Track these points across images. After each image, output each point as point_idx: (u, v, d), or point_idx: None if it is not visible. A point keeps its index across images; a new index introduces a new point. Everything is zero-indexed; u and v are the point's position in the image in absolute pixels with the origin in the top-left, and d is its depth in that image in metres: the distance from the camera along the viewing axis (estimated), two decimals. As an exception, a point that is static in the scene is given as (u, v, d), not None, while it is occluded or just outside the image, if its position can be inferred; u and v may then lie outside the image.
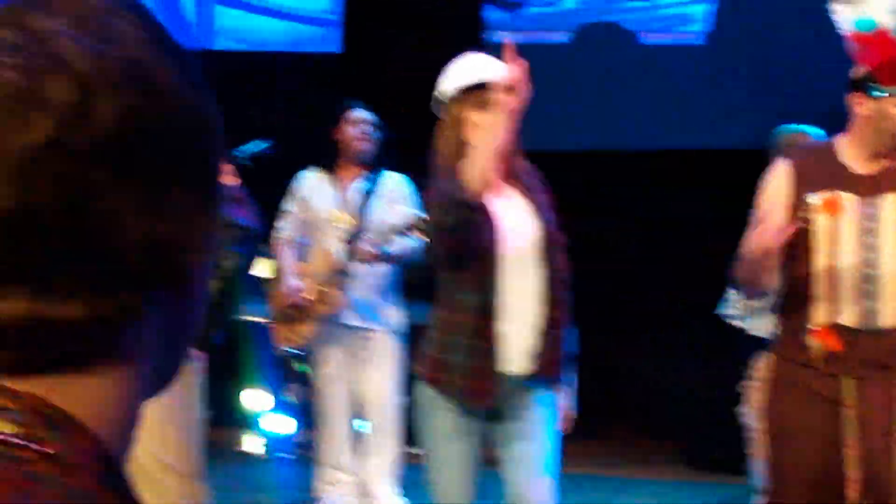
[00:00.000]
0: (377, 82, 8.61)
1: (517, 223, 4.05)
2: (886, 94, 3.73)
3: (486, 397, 3.99)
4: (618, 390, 8.79)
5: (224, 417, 7.98)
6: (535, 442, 4.11)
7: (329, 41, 9.52)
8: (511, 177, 4.07)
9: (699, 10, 9.05)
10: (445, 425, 4.11)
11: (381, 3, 9.34)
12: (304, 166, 6.01)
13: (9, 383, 0.82)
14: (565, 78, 8.94)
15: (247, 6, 9.62)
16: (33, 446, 0.81)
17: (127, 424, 0.88)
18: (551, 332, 4.03)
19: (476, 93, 4.06)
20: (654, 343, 8.59)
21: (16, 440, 0.81)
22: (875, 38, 3.67)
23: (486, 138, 3.86)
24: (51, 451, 0.81)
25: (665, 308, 8.48)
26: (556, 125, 8.61)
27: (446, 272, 4.07)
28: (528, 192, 4.09)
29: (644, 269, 8.70)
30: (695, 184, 8.25)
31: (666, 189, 8.58)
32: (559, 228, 4.13)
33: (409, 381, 4.42)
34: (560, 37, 9.26)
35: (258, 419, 7.76)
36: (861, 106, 3.78)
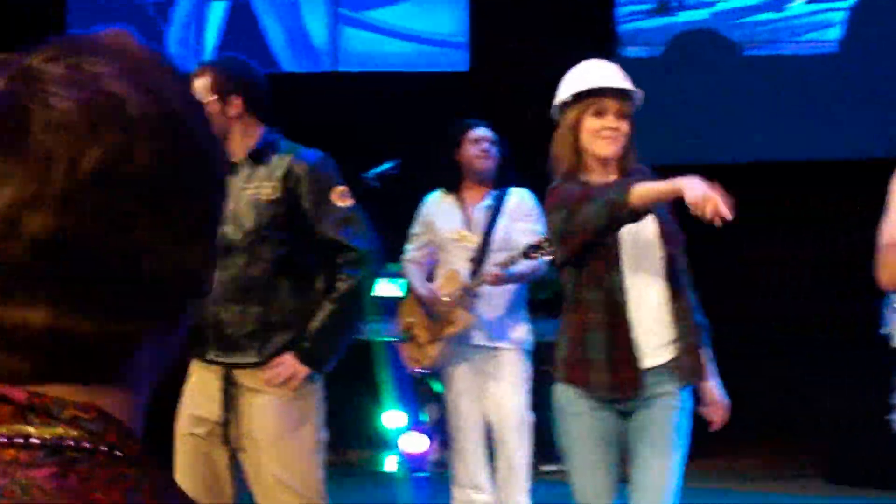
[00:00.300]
0: (505, 99, 8.63)
1: (637, 224, 4.11)
2: None
3: (630, 388, 4.09)
4: (755, 404, 8.63)
5: (362, 438, 8.05)
6: (664, 448, 4.15)
7: (456, 61, 9.56)
8: (628, 174, 4.14)
9: (833, 17, 8.91)
10: (587, 426, 4.18)
11: (508, 20, 9.34)
12: (431, 187, 6.03)
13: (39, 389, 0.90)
14: (698, 91, 8.87)
15: (374, 28, 9.71)
16: (114, 451, 0.89)
17: (134, 416, 0.95)
18: (680, 323, 4.12)
19: (590, 99, 4.11)
20: (792, 355, 8.45)
21: (94, 446, 0.89)
22: None
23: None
24: (126, 454, 0.90)
25: (802, 319, 8.35)
26: (694, 137, 8.57)
27: (572, 274, 4.16)
28: None
29: (780, 280, 8.58)
30: (841, 195, 8.11)
31: (810, 200, 8.46)
32: (677, 226, 4.22)
33: (544, 395, 4.45)
34: (690, 50, 9.18)
35: (396, 439, 7.79)
36: None
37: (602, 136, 4.11)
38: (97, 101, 0.91)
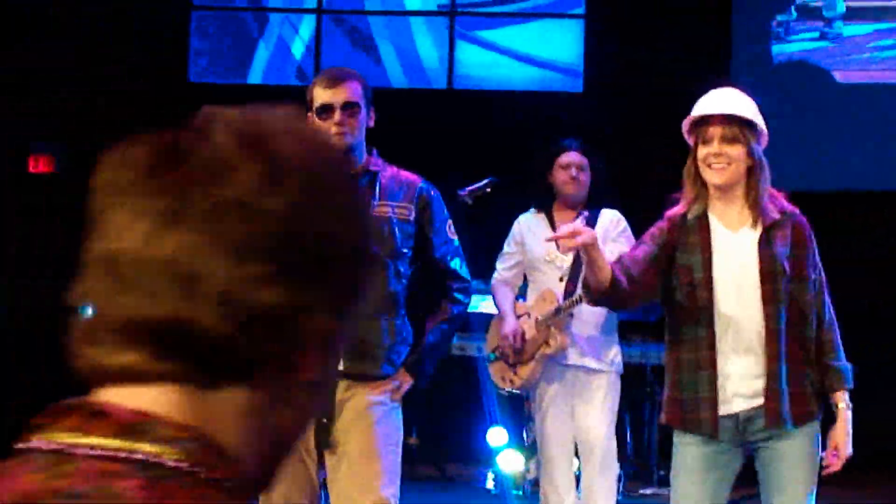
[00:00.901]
0: (617, 120, 8.61)
1: (739, 255, 4.12)
2: None
3: (716, 427, 4.09)
4: (872, 434, 8.52)
5: (463, 453, 8.09)
6: (788, 490, 4.17)
7: (571, 83, 9.58)
8: (751, 208, 4.12)
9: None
10: (686, 460, 4.22)
11: (623, 42, 9.33)
12: (525, 207, 6.06)
13: (153, 399, 0.97)
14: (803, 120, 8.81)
15: (491, 46, 9.76)
16: (202, 473, 0.95)
17: (254, 443, 1.01)
18: (782, 367, 4.07)
19: (701, 127, 4.12)
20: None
21: (187, 466, 0.95)
22: None
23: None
24: (219, 477, 0.96)
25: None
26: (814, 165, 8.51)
27: (667, 310, 4.22)
28: (766, 224, 4.13)
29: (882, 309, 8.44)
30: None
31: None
32: (809, 265, 4.16)
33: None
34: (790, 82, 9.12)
35: (496, 456, 7.82)
36: None
37: (708, 164, 4.09)
38: (252, 135, 1.00)
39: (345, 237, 1.02)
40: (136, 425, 0.96)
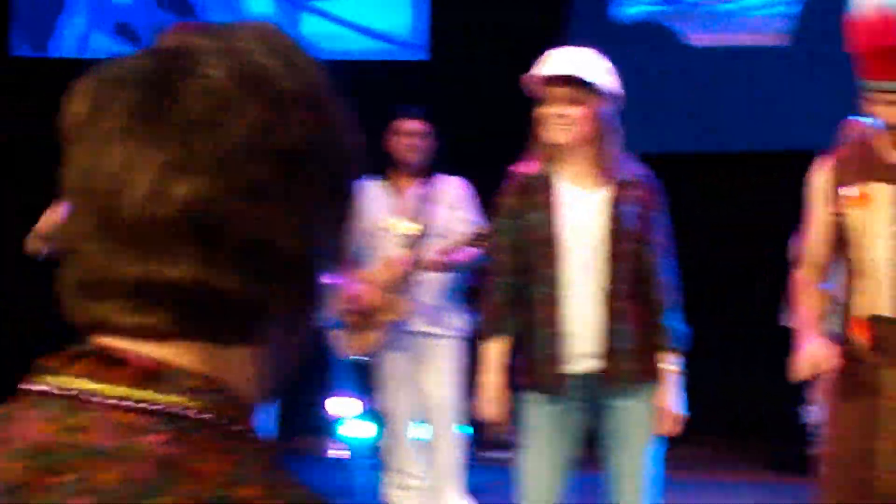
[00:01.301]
0: (461, 88, 8.64)
1: (587, 214, 4.15)
2: (872, 91, 3.69)
3: (561, 385, 4.15)
4: (699, 393, 8.77)
5: (308, 424, 8.07)
6: (628, 448, 4.25)
7: (415, 51, 9.57)
8: (599, 169, 4.15)
9: (782, 10, 9.08)
10: (533, 420, 4.27)
11: (467, 12, 9.36)
12: (368, 175, 6.04)
13: (172, 353, 0.95)
14: (649, 83, 8.97)
15: (331, 17, 9.70)
16: (229, 425, 0.93)
17: (257, 393, 1.00)
18: (624, 327, 4.13)
19: (544, 87, 4.16)
20: (735, 346, 8.56)
21: (213, 418, 0.93)
22: (874, 23, 3.61)
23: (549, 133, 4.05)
24: (242, 429, 0.94)
25: (741, 309, 8.44)
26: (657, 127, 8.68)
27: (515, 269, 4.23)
28: (615, 185, 4.16)
29: (710, 273, 8.64)
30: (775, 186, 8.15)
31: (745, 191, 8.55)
32: (657, 227, 4.22)
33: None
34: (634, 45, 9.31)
35: (341, 425, 7.81)
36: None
37: (549, 124, 4.10)
38: (248, 71, 0.95)
39: (346, 159, 1.02)
40: (159, 374, 0.93)
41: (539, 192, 4.16)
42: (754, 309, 7.60)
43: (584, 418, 4.25)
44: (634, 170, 4.22)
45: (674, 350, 4.22)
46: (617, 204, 4.13)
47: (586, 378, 4.16)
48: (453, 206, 5.88)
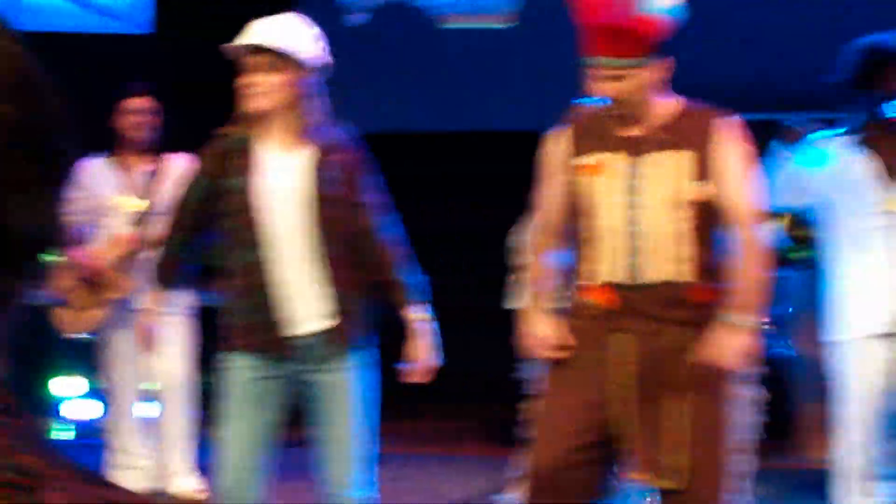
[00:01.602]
0: (189, 63, 8.57)
1: (287, 178, 4.18)
2: (594, 66, 3.86)
3: (270, 350, 4.16)
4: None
5: (31, 404, 7.89)
6: (337, 419, 4.26)
7: (139, 23, 9.45)
8: (299, 135, 4.19)
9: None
10: (235, 387, 4.24)
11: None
12: (93, 152, 6.02)
13: None
14: (372, 59, 9.16)
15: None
16: None
17: None
18: (333, 290, 4.17)
19: (243, 56, 4.20)
20: (463, 320, 8.77)
21: None
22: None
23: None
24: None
25: (469, 286, 8.67)
26: (376, 107, 8.83)
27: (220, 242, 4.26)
28: (316, 150, 4.20)
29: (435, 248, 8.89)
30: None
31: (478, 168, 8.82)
32: (363, 189, 4.26)
33: (206, 362, 4.51)
34: (362, 19, 9.44)
35: (65, 405, 7.68)
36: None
37: (244, 91, 4.14)
38: None
39: (60, 138, 1.01)
40: None
41: (238, 158, 4.18)
42: (484, 286, 7.80)
43: (292, 387, 4.26)
44: (337, 135, 4.28)
45: (416, 301, 4.30)
46: (319, 168, 4.18)
47: (298, 343, 4.19)
48: (179, 184, 5.86)
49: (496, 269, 6.80)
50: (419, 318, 4.36)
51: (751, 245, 3.91)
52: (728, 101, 4.17)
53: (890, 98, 5.05)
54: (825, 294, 5.45)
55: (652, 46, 3.83)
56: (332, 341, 4.19)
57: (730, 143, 3.94)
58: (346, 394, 4.24)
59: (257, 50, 4.14)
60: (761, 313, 3.97)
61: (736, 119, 4.00)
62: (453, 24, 9.45)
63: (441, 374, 6.89)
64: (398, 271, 4.31)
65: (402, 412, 8.82)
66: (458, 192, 9.06)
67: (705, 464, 3.88)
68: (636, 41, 3.81)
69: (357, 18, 9.51)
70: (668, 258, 3.88)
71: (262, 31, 4.20)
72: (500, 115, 9.22)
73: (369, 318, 4.30)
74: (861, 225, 5.19)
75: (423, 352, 4.38)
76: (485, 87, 9.31)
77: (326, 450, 4.29)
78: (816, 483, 6.15)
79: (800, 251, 7.76)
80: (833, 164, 5.21)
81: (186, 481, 6.20)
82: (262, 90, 4.11)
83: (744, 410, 4.01)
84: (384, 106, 9.23)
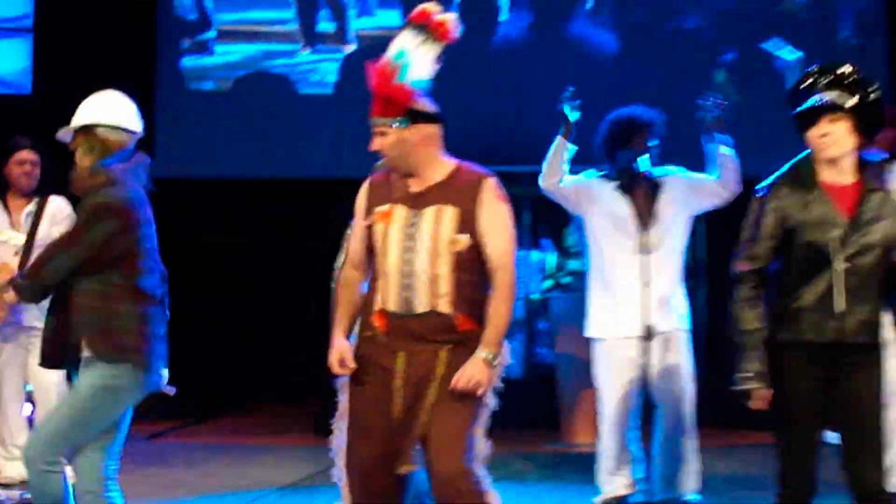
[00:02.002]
0: (62, 120, 8.81)
1: None
2: (373, 125, 4.18)
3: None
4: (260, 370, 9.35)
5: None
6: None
7: (19, 86, 9.73)
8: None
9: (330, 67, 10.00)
10: None
11: (64, 53, 9.68)
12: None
13: None
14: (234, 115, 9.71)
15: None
16: None
17: None
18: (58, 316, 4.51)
19: None
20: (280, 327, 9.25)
21: None
22: (378, 68, 4.13)
23: None
24: None
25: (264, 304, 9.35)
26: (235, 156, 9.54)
27: None
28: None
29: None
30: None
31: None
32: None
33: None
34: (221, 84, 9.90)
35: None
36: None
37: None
38: None
39: None
40: None
41: None
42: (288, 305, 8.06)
43: None
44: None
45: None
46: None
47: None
48: (54, 221, 6.28)
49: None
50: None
51: (503, 288, 4.12)
52: (484, 157, 4.48)
53: (640, 155, 5.61)
54: (588, 307, 5.81)
55: (406, 109, 4.09)
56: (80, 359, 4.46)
57: (491, 200, 4.15)
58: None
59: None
60: (504, 345, 4.17)
61: (496, 180, 4.21)
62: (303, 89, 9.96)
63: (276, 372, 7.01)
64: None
65: (239, 409, 9.28)
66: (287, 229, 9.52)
67: (447, 448, 4.06)
68: (394, 104, 4.08)
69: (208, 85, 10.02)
70: (433, 294, 4.09)
71: (82, 109, 4.54)
72: (328, 164, 9.72)
73: None
74: (620, 256, 5.66)
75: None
76: (306, 140, 9.85)
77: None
78: (583, 463, 6.38)
79: (565, 278, 8.44)
80: (600, 203, 5.70)
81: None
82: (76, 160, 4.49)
83: (483, 410, 4.21)
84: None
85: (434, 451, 4.05)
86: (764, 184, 4.24)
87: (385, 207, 4.18)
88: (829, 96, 4.12)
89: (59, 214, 6.38)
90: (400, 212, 4.16)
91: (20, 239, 6.28)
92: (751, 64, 9.28)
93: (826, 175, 4.17)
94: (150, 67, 9.82)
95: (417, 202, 4.16)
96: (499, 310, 4.11)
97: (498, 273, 4.13)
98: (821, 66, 4.24)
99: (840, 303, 4.10)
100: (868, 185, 4.16)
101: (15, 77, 9.84)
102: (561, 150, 5.70)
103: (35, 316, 6.18)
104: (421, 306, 4.10)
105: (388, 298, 4.11)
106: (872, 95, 4.15)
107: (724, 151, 5.61)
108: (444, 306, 4.09)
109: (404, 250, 4.12)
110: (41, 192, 6.43)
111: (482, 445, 4.23)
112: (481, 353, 4.08)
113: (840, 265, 4.09)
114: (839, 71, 4.18)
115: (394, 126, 4.09)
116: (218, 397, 9.43)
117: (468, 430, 4.09)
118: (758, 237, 4.20)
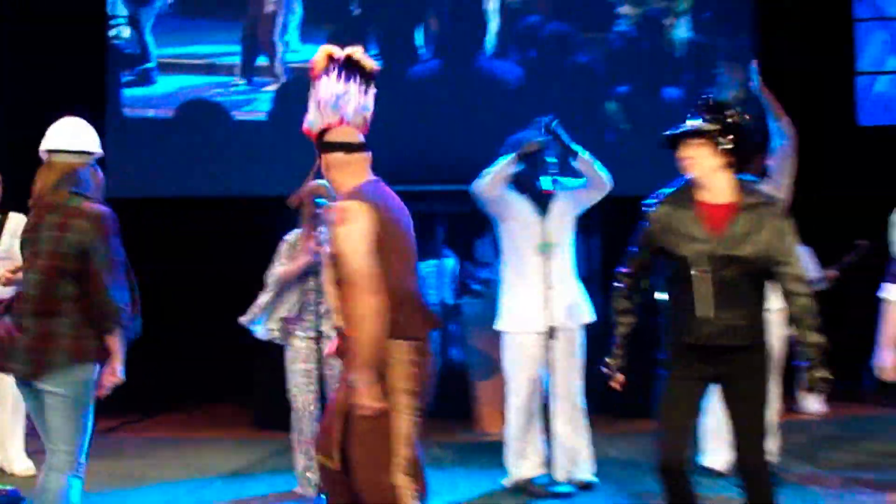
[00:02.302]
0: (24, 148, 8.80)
1: None
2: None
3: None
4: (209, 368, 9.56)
5: None
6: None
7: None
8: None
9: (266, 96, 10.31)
10: None
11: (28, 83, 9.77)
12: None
13: None
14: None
15: None
16: None
17: None
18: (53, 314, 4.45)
19: None
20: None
21: None
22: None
23: None
24: None
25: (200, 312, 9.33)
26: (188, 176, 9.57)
27: None
28: None
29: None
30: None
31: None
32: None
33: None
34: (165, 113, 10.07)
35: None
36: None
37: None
38: None
39: None
40: None
41: None
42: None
43: None
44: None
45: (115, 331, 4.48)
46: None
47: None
48: (14, 236, 6.35)
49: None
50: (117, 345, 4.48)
51: (358, 309, 3.88)
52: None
53: (541, 173, 5.78)
54: (497, 306, 5.92)
55: (317, 142, 4.09)
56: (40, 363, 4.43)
57: (334, 225, 3.96)
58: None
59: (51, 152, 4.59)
60: (368, 367, 3.89)
61: (337, 204, 4.00)
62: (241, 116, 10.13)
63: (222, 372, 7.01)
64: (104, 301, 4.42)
65: (185, 406, 9.34)
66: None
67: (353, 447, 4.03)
68: (314, 137, 4.15)
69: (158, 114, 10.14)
70: (336, 313, 4.10)
71: (50, 135, 4.59)
72: (264, 182, 9.78)
73: None
74: (526, 253, 5.79)
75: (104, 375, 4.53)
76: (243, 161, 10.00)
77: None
78: (493, 450, 6.44)
79: (475, 285, 8.62)
80: (510, 211, 5.85)
81: (22, 464, 6.64)
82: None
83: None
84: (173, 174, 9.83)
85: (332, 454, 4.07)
86: (650, 200, 4.39)
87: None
88: (693, 123, 4.28)
89: (18, 229, 6.32)
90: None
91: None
92: (638, 95, 9.66)
93: (703, 195, 4.31)
94: (101, 95, 9.91)
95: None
96: (356, 335, 3.89)
97: (352, 298, 3.93)
98: (700, 98, 4.44)
99: (703, 309, 4.22)
100: (741, 204, 4.28)
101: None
102: (510, 166, 5.76)
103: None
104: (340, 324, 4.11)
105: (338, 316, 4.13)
106: (730, 120, 4.26)
107: (582, 159, 5.76)
108: (341, 323, 4.04)
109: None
110: (1, 208, 6.46)
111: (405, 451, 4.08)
112: (350, 379, 3.94)
113: (700, 276, 4.21)
114: (703, 99, 4.37)
115: (320, 153, 4.14)
116: (167, 395, 9.50)
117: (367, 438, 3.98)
118: (638, 245, 4.41)
